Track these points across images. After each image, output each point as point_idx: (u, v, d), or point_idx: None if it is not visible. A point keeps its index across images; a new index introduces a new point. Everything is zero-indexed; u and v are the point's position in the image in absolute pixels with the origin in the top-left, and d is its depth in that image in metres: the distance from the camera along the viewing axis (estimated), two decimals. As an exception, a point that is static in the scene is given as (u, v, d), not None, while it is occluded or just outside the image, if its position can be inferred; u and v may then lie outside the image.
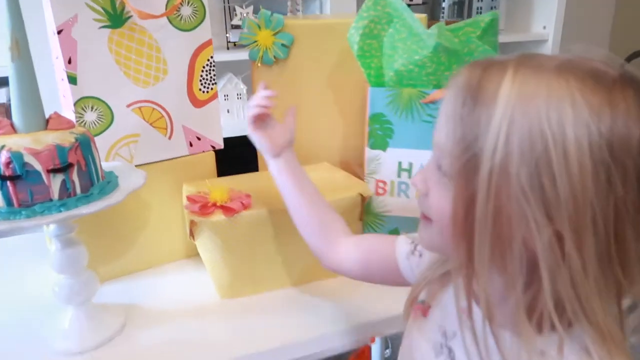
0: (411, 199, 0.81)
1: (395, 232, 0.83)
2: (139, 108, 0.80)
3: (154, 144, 0.82)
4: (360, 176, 0.86)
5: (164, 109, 0.82)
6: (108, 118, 0.78)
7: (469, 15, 1.57)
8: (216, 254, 0.74)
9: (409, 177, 0.80)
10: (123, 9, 0.76)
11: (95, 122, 0.77)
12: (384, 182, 0.81)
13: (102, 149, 0.78)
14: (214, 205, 0.72)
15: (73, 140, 0.60)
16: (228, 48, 1.57)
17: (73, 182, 0.60)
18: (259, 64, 0.90)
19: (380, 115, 0.78)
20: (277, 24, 0.88)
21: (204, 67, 0.84)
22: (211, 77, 0.86)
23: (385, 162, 0.80)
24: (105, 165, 0.72)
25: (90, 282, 0.68)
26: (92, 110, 0.77)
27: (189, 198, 0.74)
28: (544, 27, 1.58)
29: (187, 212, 0.73)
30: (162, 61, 0.80)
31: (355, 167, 0.92)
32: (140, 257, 0.85)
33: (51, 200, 0.59)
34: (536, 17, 1.60)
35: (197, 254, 0.80)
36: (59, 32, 0.73)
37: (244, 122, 0.70)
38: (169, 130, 0.83)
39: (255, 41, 0.89)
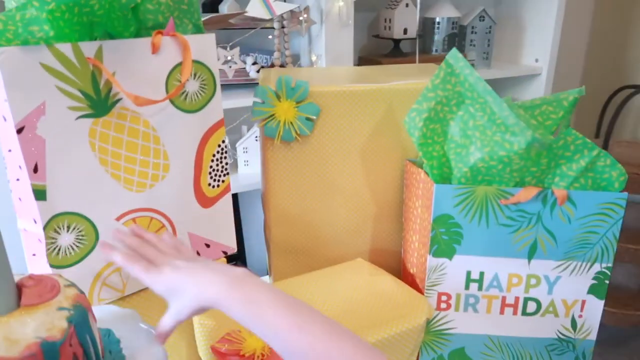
0: (481, 314, 0.66)
1: (460, 352, 0.68)
2: (133, 220, 0.59)
3: (152, 263, 0.62)
4: (409, 280, 0.71)
5: (165, 216, 0.62)
6: (91, 238, 0.57)
7: (462, 49, 1.45)
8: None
9: (479, 289, 0.65)
10: (109, 90, 0.55)
11: (73, 247, 0.56)
12: (448, 295, 0.66)
13: (84, 280, 0.57)
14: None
15: (65, 325, 0.39)
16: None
17: (68, 389, 0.40)
18: (278, 142, 0.72)
19: (446, 217, 0.63)
20: (302, 94, 0.70)
21: (214, 155, 0.65)
22: (223, 167, 0.66)
23: (451, 272, 0.65)
24: (99, 315, 0.51)
25: None
26: (68, 230, 0.55)
27: (215, 350, 0.55)
28: (536, 60, 1.51)
29: (212, 369, 0.54)
30: (162, 154, 0.60)
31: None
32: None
33: None
34: (527, 50, 1.52)
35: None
36: (19, 131, 0.51)
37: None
38: (171, 242, 0.63)
39: (273, 115, 0.70)
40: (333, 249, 0.80)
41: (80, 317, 0.41)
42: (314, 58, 1.16)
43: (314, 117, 0.71)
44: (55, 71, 0.51)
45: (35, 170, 0.53)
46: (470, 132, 0.61)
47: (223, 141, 0.66)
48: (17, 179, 0.59)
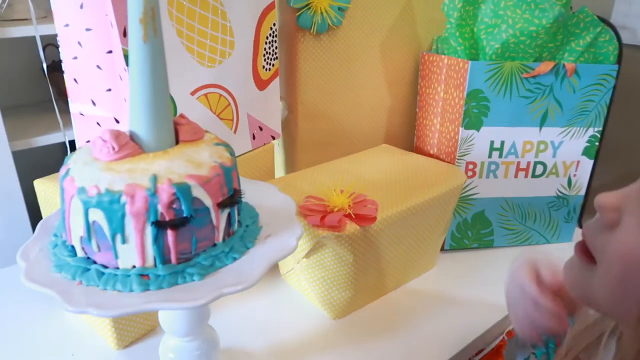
0: (499, 179, 0.77)
1: (481, 214, 0.79)
2: (205, 95, 0.60)
3: (220, 141, 0.63)
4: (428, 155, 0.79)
5: (230, 94, 0.63)
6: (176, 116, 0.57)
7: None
8: (341, 271, 0.61)
9: (500, 156, 0.75)
10: (185, -43, 0.54)
11: (155, 119, 0.56)
12: (474, 164, 0.76)
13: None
14: (340, 213, 0.58)
15: (229, 156, 0.42)
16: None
17: (236, 214, 0.42)
18: (314, 32, 0.74)
19: (478, 91, 0.71)
20: (337, -17, 0.73)
21: (267, 37, 0.67)
22: (274, 50, 0.68)
23: (478, 142, 0.74)
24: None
25: (214, 342, 0.51)
26: (151, 102, 0.55)
27: (303, 208, 0.59)
28: None
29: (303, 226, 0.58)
30: (229, 31, 0.61)
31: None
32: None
33: (215, 245, 0.40)
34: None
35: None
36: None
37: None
38: (235, 121, 0.64)
39: (309, 4, 0.73)
40: (354, 140, 0.86)
41: (233, 153, 0.43)
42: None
43: (347, 6, 0.75)
44: None
45: (125, 34, 0.52)
46: (502, 11, 0.69)
47: (274, 24, 0.68)
48: (74, 58, 0.57)
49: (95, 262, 0.38)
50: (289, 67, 0.79)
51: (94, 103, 0.58)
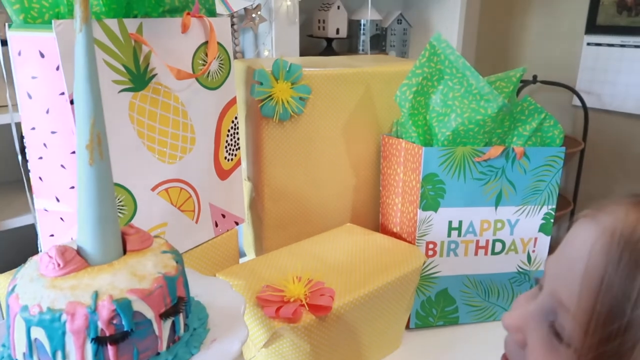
0: (460, 257, 0.79)
1: (444, 292, 0.80)
2: (166, 190, 0.63)
3: (181, 232, 0.65)
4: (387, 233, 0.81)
5: (191, 187, 0.66)
6: (130, 208, 0.59)
7: (382, 49, 1.61)
8: (299, 359, 0.61)
9: (459, 235, 0.78)
10: (147, 66, 0.58)
11: (115, 216, 0.58)
12: (434, 244, 0.78)
13: (125, 249, 0.59)
14: (296, 304, 0.59)
15: (175, 264, 0.44)
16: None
17: (182, 320, 0.44)
18: (276, 120, 0.78)
19: (433, 175, 0.74)
20: (298, 76, 0.78)
21: (229, 130, 0.70)
22: (235, 141, 0.72)
23: (437, 223, 0.77)
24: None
25: None
26: (111, 200, 0.57)
27: (260, 299, 0.60)
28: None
29: (259, 319, 0.59)
30: (189, 128, 0.64)
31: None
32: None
33: (158, 354, 0.42)
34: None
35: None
36: (72, 102, 0.53)
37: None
38: (196, 212, 0.67)
39: (271, 95, 0.77)
40: (320, 220, 0.89)
41: (181, 259, 0.45)
42: (266, 52, 1.23)
43: (307, 97, 0.79)
44: (104, 45, 0.54)
45: (85, 140, 0.54)
46: (450, 102, 0.73)
47: (236, 117, 0.71)
48: (40, 157, 0.60)
49: (38, 376, 0.39)
50: (255, 150, 0.83)
51: (57, 199, 0.60)
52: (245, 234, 0.93)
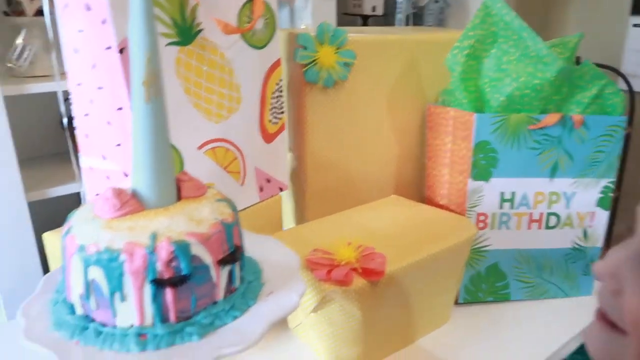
0: (512, 230, 0.75)
1: (494, 267, 0.77)
2: (212, 149, 0.61)
3: (227, 194, 0.63)
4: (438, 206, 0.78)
5: (237, 148, 0.64)
6: (177, 167, 0.58)
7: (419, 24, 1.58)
8: (348, 326, 0.59)
9: (511, 207, 0.74)
10: (193, 20, 0.57)
11: (163, 173, 0.57)
12: (485, 215, 0.74)
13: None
14: (348, 267, 0.57)
15: (231, 212, 0.42)
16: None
17: (238, 271, 0.42)
18: (320, 85, 0.76)
19: (485, 143, 0.71)
20: (342, 41, 0.75)
21: (274, 92, 0.68)
22: (280, 104, 0.70)
23: (488, 194, 0.73)
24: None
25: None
26: (159, 157, 0.56)
27: (310, 262, 0.58)
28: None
29: (309, 282, 0.57)
30: (235, 87, 0.62)
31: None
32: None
33: (215, 302, 0.40)
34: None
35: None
36: (121, 51, 0.51)
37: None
38: (242, 174, 0.65)
39: (315, 60, 0.75)
40: (363, 191, 0.86)
41: (235, 208, 0.43)
42: (303, 26, 1.21)
43: (352, 62, 0.77)
44: (153, -5, 0.52)
45: (134, 92, 0.53)
46: (505, 66, 0.70)
47: (280, 80, 0.69)
48: (86, 114, 0.59)
49: (94, 320, 0.38)
50: (297, 119, 0.81)
51: (104, 157, 0.59)
52: (285, 205, 0.91)
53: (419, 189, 0.90)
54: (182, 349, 0.37)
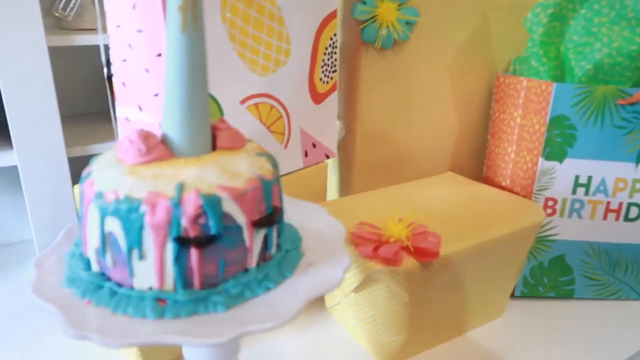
0: (584, 220, 0.67)
1: (560, 259, 0.68)
2: (256, 105, 0.55)
3: (269, 156, 0.58)
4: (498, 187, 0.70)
5: (283, 106, 0.58)
6: (216, 120, 0.53)
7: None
8: (393, 311, 0.53)
9: (586, 194, 0.65)
10: (243, -43, 0.50)
11: (200, 127, 0.52)
12: (555, 200, 0.66)
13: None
14: (397, 245, 0.51)
15: (271, 168, 0.36)
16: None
17: (274, 237, 0.36)
18: (378, 46, 0.69)
19: (563, 118, 0.62)
20: (406, -5, 0.67)
21: (327, 47, 0.62)
22: (333, 62, 0.63)
23: (560, 176, 0.65)
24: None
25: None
26: (197, 108, 0.51)
27: (355, 236, 0.52)
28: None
29: (352, 258, 0.51)
30: (285, 38, 0.56)
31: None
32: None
33: (246, 270, 0.34)
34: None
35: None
36: (161, -13, 0.46)
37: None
38: (286, 135, 0.59)
39: (374, 17, 0.67)
40: (416, 166, 0.79)
41: (277, 165, 0.37)
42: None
43: (415, 21, 0.69)
44: None
45: (173, 33, 0.48)
46: (595, 28, 0.60)
47: (335, 34, 0.63)
48: (124, 60, 0.55)
49: (110, 279, 0.33)
50: (349, 83, 0.74)
51: (140, 108, 0.55)
52: (329, 176, 0.85)
53: (477, 167, 0.82)
54: (204, 320, 0.31)
